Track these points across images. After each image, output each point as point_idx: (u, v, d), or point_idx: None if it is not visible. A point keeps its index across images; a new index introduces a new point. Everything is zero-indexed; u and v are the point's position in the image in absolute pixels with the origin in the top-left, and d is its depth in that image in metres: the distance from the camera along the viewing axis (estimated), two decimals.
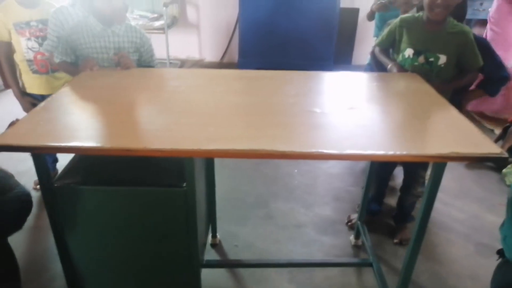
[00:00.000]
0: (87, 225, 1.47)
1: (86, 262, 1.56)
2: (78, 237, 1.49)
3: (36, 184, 2.51)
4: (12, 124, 1.29)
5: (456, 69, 1.85)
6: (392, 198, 2.46)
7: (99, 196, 1.42)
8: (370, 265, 1.97)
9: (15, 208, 1.02)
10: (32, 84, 2.28)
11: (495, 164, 2.88)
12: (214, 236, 2.15)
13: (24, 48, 2.18)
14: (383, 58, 1.99)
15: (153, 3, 4.61)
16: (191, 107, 1.46)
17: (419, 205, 1.47)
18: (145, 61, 2.02)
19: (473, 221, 2.38)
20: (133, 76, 1.78)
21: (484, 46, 1.86)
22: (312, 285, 1.92)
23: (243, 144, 1.18)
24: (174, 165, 1.46)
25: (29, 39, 2.16)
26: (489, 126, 3.53)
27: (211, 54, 5.15)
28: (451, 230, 2.30)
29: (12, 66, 2.27)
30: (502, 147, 2.86)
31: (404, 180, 2.18)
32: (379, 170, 2.17)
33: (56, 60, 1.95)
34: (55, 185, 1.39)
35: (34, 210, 2.33)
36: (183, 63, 5.01)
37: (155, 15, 4.54)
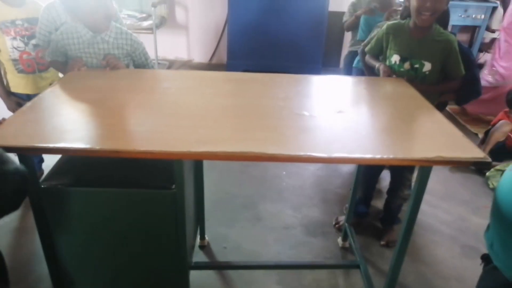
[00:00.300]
0: (74, 226, 1.46)
1: (73, 264, 1.54)
2: (65, 238, 1.47)
3: None
4: None
5: (440, 75, 1.88)
6: (379, 201, 2.49)
7: (87, 198, 1.40)
8: (358, 267, 1.98)
9: (15, 180, 0.98)
10: (18, 83, 2.24)
11: (478, 168, 2.94)
12: (202, 237, 2.15)
13: (9, 48, 2.14)
14: (371, 62, 2.03)
15: (141, 3, 4.57)
16: (180, 109, 1.46)
17: (406, 208, 1.49)
18: (139, 66, 1.99)
19: (458, 223, 2.42)
20: (122, 77, 1.76)
21: (466, 56, 1.88)
22: (300, 287, 1.93)
23: (232, 146, 1.18)
24: (163, 166, 1.45)
25: (14, 38, 2.12)
26: (473, 130, 3.59)
27: (199, 55, 5.14)
28: (437, 232, 2.34)
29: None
30: (483, 150, 2.92)
31: (391, 183, 2.21)
32: (366, 173, 2.19)
33: (48, 59, 1.94)
34: (42, 186, 1.37)
35: (19, 211, 2.32)
36: (171, 64, 4.99)
37: (144, 15, 4.51)
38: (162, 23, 4.56)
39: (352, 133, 1.32)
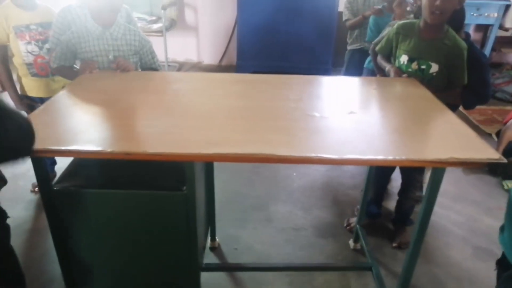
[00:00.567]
0: (86, 228, 1.47)
1: (85, 265, 1.55)
2: (77, 240, 1.49)
3: (34, 187, 2.51)
4: None
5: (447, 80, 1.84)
6: (391, 202, 2.47)
7: (99, 199, 1.42)
8: (370, 268, 1.97)
9: (18, 124, 0.97)
10: (32, 87, 2.27)
11: (493, 169, 2.89)
12: (213, 239, 2.15)
13: (23, 52, 2.17)
14: (382, 63, 2.01)
15: (151, 5, 4.60)
16: (190, 110, 1.46)
17: (418, 209, 1.48)
18: (146, 64, 2.02)
19: (471, 224, 2.39)
20: (133, 79, 1.78)
21: (477, 59, 1.84)
22: None
23: (242, 148, 1.18)
24: (174, 168, 1.46)
25: (29, 42, 2.15)
26: (487, 130, 3.54)
27: (209, 57, 5.15)
28: (450, 234, 2.31)
29: (8, 69, 2.25)
30: (497, 151, 2.86)
31: (402, 184, 2.19)
32: (378, 173, 2.18)
33: (53, 65, 1.95)
34: (55, 188, 1.38)
35: (32, 212, 2.35)
36: (181, 66, 5.01)
37: (153, 18, 4.54)
38: (172, 25, 4.58)
39: (363, 134, 1.31)
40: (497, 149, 3.01)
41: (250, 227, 2.31)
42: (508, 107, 3.98)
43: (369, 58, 2.66)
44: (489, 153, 1.19)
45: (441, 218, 2.42)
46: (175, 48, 4.85)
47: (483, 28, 4.77)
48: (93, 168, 1.50)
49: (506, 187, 2.72)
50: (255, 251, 2.14)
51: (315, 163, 1.19)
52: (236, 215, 2.40)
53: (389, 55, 2.02)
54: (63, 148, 1.17)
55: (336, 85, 1.85)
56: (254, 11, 4.29)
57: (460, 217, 2.45)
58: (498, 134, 3.05)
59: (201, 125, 1.33)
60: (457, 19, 1.82)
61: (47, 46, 2.18)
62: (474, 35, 4.72)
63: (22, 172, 2.47)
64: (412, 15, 2.32)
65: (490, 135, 3.44)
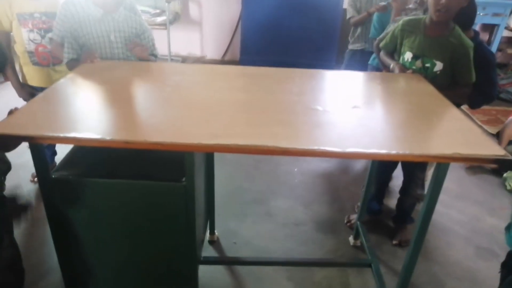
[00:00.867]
0: (84, 217, 1.46)
1: (83, 255, 1.54)
2: (75, 230, 1.47)
3: (33, 177, 2.50)
4: (10, 112, 1.27)
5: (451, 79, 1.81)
6: (392, 200, 2.45)
7: (97, 189, 1.40)
8: (369, 265, 1.96)
9: None
10: (33, 76, 2.26)
11: (501, 167, 2.86)
12: (212, 232, 2.14)
13: (25, 40, 2.16)
14: (386, 60, 1.99)
15: None
16: (193, 102, 1.44)
17: (419, 207, 1.46)
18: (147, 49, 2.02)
19: (473, 223, 2.37)
20: (134, 69, 1.76)
21: (485, 58, 1.81)
22: (310, 284, 1.91)
23: (244, 139, 1.16)
24: (174, 159, 1.44)
25: (31, 30, 2.14)
26: (490, 130, 3.52)
27: (212, 52, 5.13)
28: (451, 232, 2.29)
29: (10, 56, 2.24)
30: None
31: (404, 182, 2.17)
32: (380, 169, 2.15)
33: (64, 61, 1.95)
34: (53, 176, 1.37)
35: (32, 202, 2.34)
36: (184, 60, 4.99)
37: (157, 11, 4.52)
38: (175, 19, 4.56)
39: (367, 128, 1.29)
40: None
41: (249, 222, 2.30)
42: None
43: (373, 55, 2.64)
44: (495, 149, 1.17)
45: (443, 217, 2.40)
46: (178, 41, 4.83)
47: (489, 28, 4.73)
48: (93, 157, 1.49)
49: (509, 187, 2.70)
50: (254, 246, 2.12)
51: (318, 156, 1.17)
52: (236, 209, 2.39)
53: (393, 52, 2.00)
54: (62, 135, 1.15)
55: (339, 80, 1.83)
56: (259, 6, 4.27)
57: (462, 216, 2.43)
58: (497, 134, 3.03)
59: (203, 117, 1.31)
60: (467, 16, 1.79)
61: (49, 35, 2.16)
62: (480, 35, 4.68)
63: (21, 163, 2.46)
64: (414, 12, 2.30)
65: (493, 135, 3.42)
